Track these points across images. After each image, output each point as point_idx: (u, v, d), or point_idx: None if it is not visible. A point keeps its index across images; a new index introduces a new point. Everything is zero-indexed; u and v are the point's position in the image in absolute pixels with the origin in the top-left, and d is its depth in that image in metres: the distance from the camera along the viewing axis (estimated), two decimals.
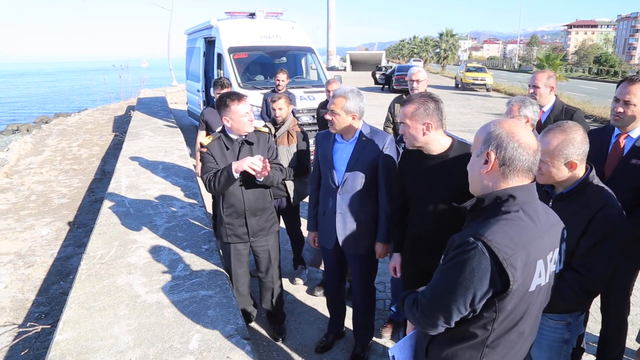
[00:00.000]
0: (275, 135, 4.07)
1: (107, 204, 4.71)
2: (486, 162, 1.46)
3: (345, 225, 2.94)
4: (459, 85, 29.20)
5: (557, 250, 1.49)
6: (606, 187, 2.11)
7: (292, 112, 4.23)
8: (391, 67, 30.01)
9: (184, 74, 12.69)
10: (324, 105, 5.63)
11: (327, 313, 3.84)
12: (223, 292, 3.06)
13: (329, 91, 5.33)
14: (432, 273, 2.66)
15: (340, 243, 2.98)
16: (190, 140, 8.76)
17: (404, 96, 4.50)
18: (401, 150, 3.12)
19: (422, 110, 2.36)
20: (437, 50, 72.80)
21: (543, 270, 1.41)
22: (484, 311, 1.38)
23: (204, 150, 3.14)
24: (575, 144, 2.03)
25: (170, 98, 17.17)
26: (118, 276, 3.23)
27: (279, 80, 6.06)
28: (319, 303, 4.04)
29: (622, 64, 77.93)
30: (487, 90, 27.70)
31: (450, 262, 1.40)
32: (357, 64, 50.62)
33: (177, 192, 5.12)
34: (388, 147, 2.85)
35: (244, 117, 3.03)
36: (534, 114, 3.07)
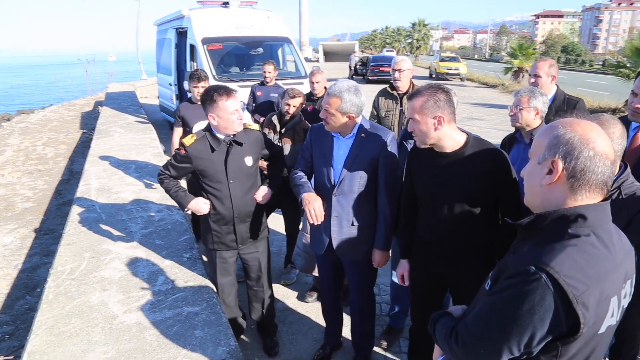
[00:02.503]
0: (280, 132, 3.79)
1: (75, 209, 4.31)
2: (550, 171, 1.20)
3: (341, 230, 2.67)
4: (433, 75, 29.30)
5: (630, 282, 1.23)
6: None
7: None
8: (367, 57, 29.86)
9: (154, 67, 12.16)
10: (308, 97, 5.34)
11: (320, 321, 3.59)
12: (210, 307, 2.76)
13: (313, 82, 5.08)
14: (444, 279, 2.47)
15: (335, 249, 2.71)
16: (164, 137, 8.33)
17: (388, 89, 4.26)
18: (409, 147, 2.88)
19: (432, 102, 2.11)
20: (410, 40, 73.10)
21: (616, 309, 1.15)
22: (542, 354, 1.14)
23: (182, 151, 2.81)
24: (614, 140, 1.81)
25: (140, 92, 16.51)
26: (91, 294, 2.89)
27: (265, 72, 5.74)
28: (311, 310, 3.78)
29: (588, 53, 79.91)
30: (461, 79, 27.86)
31: (503, 294, 1.14)
32: (330, 55, 50.28)
33: (153, 194, 4.76)
34: (390, 145, 2.58)
35: (232, 114, 2.71)
36: (544, 105, 2.86)
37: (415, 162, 2.38)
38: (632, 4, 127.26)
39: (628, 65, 14.30)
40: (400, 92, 4.20)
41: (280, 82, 6.91)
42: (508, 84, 22.36)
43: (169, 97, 10.14)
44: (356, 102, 2.49)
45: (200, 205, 2.84)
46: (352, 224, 2.65)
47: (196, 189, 2.97)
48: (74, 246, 3.55)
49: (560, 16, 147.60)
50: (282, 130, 3.85)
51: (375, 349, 3.24)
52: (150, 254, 3.41)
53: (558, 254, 1.09)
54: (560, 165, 1.17)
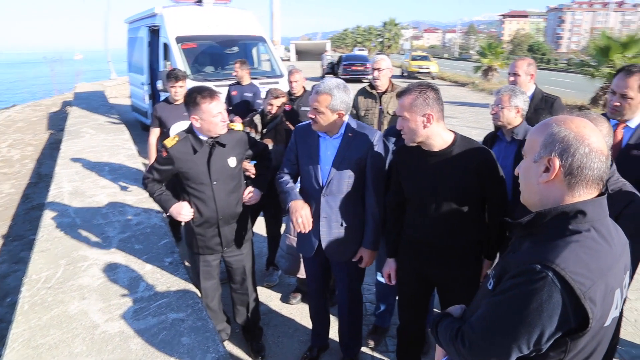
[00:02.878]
0: (262, 132, 3.74)
1: (48, 214, 4.15)
2: (547, 169, 1.20)
3: (330, 231, 2.64)
4: (405, 74, 29.55)
5: (628, 273, 1.25)
6: (628, 183, 1.96)
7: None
8: (340, 57, 29.95)
9: (124, 66, 11.87)
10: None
11: (305, 323, 3.56)
12: (196, 313, 2.69)
13: (291, 82, 5.04)
14: (434, 280, 2.47)
15: (325, 250, 2.68)
16: (136, 138, 8.13)
17: (367, 88, 4.26)
18: (392, 147, 2.87)
19: (421, 100, 2.11)
20: (381, 39, 73.69)
21: (619, 300, 1.17)
22: (551, 351, 1.14)
23: (164, 153, 2.73)
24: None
25: (109, 92, 16.08)
26: (69, 303, 2.77)
27: (236, 71, 5.67)
28: (295, 312, 3.74)
29: (552, 52, 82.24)
30: (432, 78, 28.18)
31: (509, 294, 1.13)
32: (302, 54, 50.13)
33: (129, 197, 4.62)
34: (377, 144, 2.57)
35: (215, 117, 2.64)
36: (525, 103, 2.90)
37: (403, 160, 2.37)
38: (592, 5, 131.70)
39: (592, 64, 14.76)
40: (379, 91, 4.21)
41: (255, 82, 6.84)
42: (478, 82, 22.76)
43: (141, 97, 9.90)
44: (346, 99, 2.47)
45: (180, 211, 2.74)
46: (341, 225, 2.62)
47: (178, 191, 2.88)
48: (49, 253, 3.41)
49: (526, 16, 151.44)
50: (264, 131, 3.80)
51: (363, 349, 3.22)
52: (129, 260, 3.31)
53: (562, 250, 1.09)
54: (557, 163, 1.18)
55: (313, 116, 2.47)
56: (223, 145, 2.78)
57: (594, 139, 1.17)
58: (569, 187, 1.19)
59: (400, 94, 2.19)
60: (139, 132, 10.45)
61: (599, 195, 1.20)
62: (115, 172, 5.43)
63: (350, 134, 2.55)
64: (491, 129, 3.19)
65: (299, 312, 3.73)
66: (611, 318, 1.16)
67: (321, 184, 2.59)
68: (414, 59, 29.86)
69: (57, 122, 12.29)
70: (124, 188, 4.87)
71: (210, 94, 2.64)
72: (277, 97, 3.80)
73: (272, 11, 23.99)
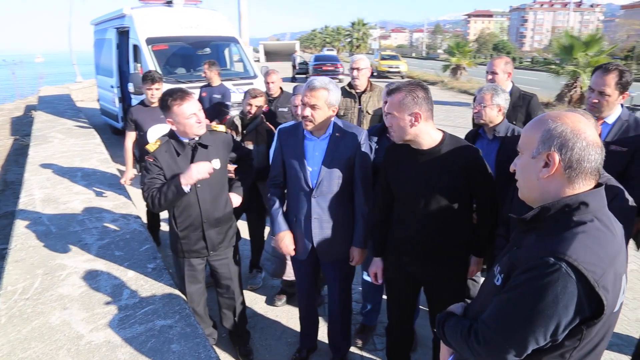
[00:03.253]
0: (243, 133, 3.69)
1: (20, 222, 3.99)
2: (546, 165, 1.23)
3: (322, 231, 2.64)
4: (375, 73, 29.77)
5: (626, 260, 1.30)
6: (612, 177, 2.01)
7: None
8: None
9: (88, 69, 11.55)
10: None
11: (292, 325, 3.55)
12: (184, 319, 2.63)
13: (268, 82, 5.01)
14: (422, 279, 2.49)
15: (317, 250, 2.68)
16: (107, 142, 7.90)
17: (346, 87, 4.27)
18: (374, 146, 2.88)
19: (410, 98, 2.13)
20: (349, 39, 74.09)
21: (625, 286, 1.21)
22: (566, 340, 1.17)
23: (150, 159, 2.66)
24: None
25: (75, 95, 15.62)
26: (50, 314, 2.67)
27: (205, 72, 5.61)
28: (281, 314, 3.71)
29: (517, 50, 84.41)
30: (402, 77, 28.51)
31: (523, 288, 1.15)
32: (270, 55, 49.88)
33: (105, 203, 4.50)
34: (364, 144, 2.58)
35: (189, 118, 2.60)
36: (506, 102, 2.96)
37: (391, 159, 2.38)
38: (552, 5, 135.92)
39: (557, 62, 15.23)
40: (358, 91, 4.23)
41: (229, 83, 6.78)
42: (447, 81, 23.15)
43: (110, 100, 9.66)
44: (338, 95, 2.50)
45: (189, 171, 2.53)
46: (333, 224, 2.62)
47: None
48: (24, 263, 3.28)
49: (490, 16, 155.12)
50: (244, 132, 3.76)
51: (351, 348, 3.22)
52: (110, 267, 3.21)
53: (571, 242, 1.12)
54: (556, 157, 1.21)
55: (309, 113, 2.44)
56: (205, 147, 2.73)
57: (590, 132, 1.21)
58: (569, 180, 1.22)
59: (390, 92, 2.20)
60: (109, 135, 10.21)
61: (596, 186, 1.24)
62: (89, 178, 5.27)
63: (337, 134, 2.55)
64: (461, 126, 3.27)
65: (285, 314, 3.71)
66: (619, 303, 1.20)
67: (311, 186, 2.58)
68: (383, 58, 30.16)
69: (21, 127, 11.85)
70: (99, 194, 4.73)
71: (181, 95, 2.60)
72: (255, 97, 3.77)
73: (239, 12, 23.72)
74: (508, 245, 1.40)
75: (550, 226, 1.22)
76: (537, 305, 1.12)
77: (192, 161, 2.68)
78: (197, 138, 2.71)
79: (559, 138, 1.21)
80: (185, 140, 2.70)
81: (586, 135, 1.21)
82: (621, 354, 3.20)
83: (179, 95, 2.59)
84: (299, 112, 3.21)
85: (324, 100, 2.42)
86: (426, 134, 2.21)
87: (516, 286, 1.18)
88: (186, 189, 2.55)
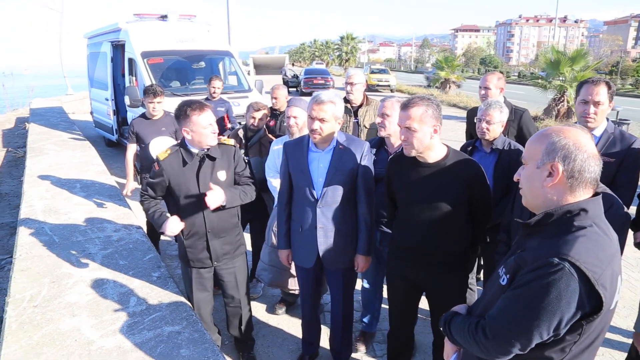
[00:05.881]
0: (247, 146, 3.79)
1: (23, 232, 4.03)
2: (550, 174, 1.36)
3: (327, 240, 2.74)
4: (365, 87, 30.05)
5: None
6: (608, 189, 2.14)
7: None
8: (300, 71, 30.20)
9: (78, 81, 11.60)
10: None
11: (293, 332, 3.62)
12: (192, 325, 2.71)
13: (274, 97, 5.00)
14: (423, 286, 2.60)
15: (322, 259, 2.78)
16: (101, 154, 7.95)
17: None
18: (373, 158, 3.00)
19: (431, 112, 2.24)
20: (339, 53, 74.78)
21: (620, 286, 1.34)
22: (567, 334, 1.28)
23: (157, 167, 2.78)
24: None
25: (67, 108, 15.61)
26: (60, 320, 2.73)
27: (214, 87, 5.71)
28: (282, 322, 3.79)
29: (503, 65, 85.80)
30: (391, 90, 28.86)
31: (529, 286, 1.27)
32: (260, 68, 50.09)
33: (106, 214, 4.56)
34: (367, 155, 2.71)
35: (206, 129, 2.72)
36: (506, 117, 3.12)
37: (395, 171, 2.50)
38: (537, 20, 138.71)
39: (543, 76, 15.59)
40: (354, 105, 4.35)
41: (224, 96, 6.89)
42: (436, 95, 23.53)
43: (105, 113, 9.71)
44: (343, 108, 2.63)
45: (171, 226, 2.72)
46: (337, 233, 2.72)
47: (169, 204, 2.92)
48: (30, 272, 3.33)
49: (477, 30, 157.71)
50: (248, 144, 3.86)
51: (352, 354, 3.31)
52: (116, 275, 3.28)
53: (574, 244, 1.24)
54: (560, 167, 1.34)
55: (318, 127, 2.56)
56: (213, 159, 2.84)
57: (590, 146, 1.35)
58: (570, 189, 1.35)
59: (405, 107, 2.27)
60: (102, 148, 10.24)
61: (594, 195, 1.37)
62: (88, 189, 5.33)
63: (341, 146, 2.67)
64: (452, 139, 3.40)
65: (286, 322, 3.78)
66: (615, 301, 1.32)
67: (316, 197, 2.69)
68: (373, 72, 30.56)
69: (13, 139, 11.81)
70: (99, 205, 4.79)
71: (200, 106, 2.73)
72: (258, 110, 3.88)
73: (229, 25, 23.81)
74: (512, 248, 1.52)
75: (553, 230, 1.34)
76: (542, 302, 1.23)
77: (198, 171, 2.79)
78: (205, 150, 2.81)
79: (563, 150, 1.34)
80: (195, 151, 2.80)
81: (587, 148, 1.34)
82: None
83: (197, 106, 2.73)
84: (292, 123, 3.33)
85: (332, 114, 2.55)
86: (436, 147, 2.34)
87: (522, 284, 1.29)
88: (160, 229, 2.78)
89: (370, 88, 28.68)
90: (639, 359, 2.68)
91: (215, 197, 2.67)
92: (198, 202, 2.80)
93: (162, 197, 2.90)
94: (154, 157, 4.25)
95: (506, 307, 1.34)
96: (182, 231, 2.86)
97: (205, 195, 2.66)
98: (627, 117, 12.36)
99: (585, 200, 1.34)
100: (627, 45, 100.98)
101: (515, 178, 1.51)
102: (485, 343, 1.37)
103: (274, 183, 3.51)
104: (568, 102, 14.11)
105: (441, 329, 1.63)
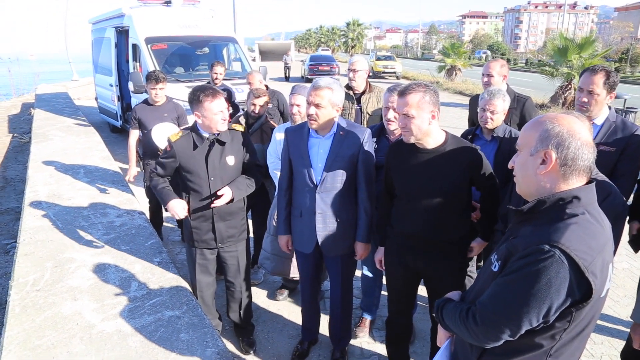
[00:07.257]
0: (249, 133, 3.79)
1: (27, 217, 4.08)
2: (543, 161, 1.35)
3: (325, 226, 2.75)
4: (370, 74, 29.86)
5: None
6: (607, 178, 2.13)
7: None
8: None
9: (83, 67, 11.59)
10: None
11: (293, 318, 3.65)
12: (191, 310, 2.74)
13: (250, 83, 4.94)
14: (422, 273, 2.61)
15: (321, 245, 2.79)
16: (106, 140, 7.97)
17: (344, 89, 4.36)
18: (374, 145, 2.99)
19: (428, 98, 2.22)
20: (345, 39, 74.17)
21: (611, 274, 1.34)
22: (557, 321, 1.28)
23: (168, 148, 2.87)
24: None
25: (72, 94, 15.65)
26: (62, 304, 2.77)
27: (216, 73, 5.68)
28: (283, 308, 3.82)
29: (511, 52, 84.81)
30: (397, 77, 28.66)
31: (519, 272, 1.27)
32: (266, 54, 49.82)
33: (109, 199, 4.59)
34: (367, 142, 2.70)
35: (217, 115, 2.78)
36: (509, 104, 3.09)
37: (394, 158, 2.49)
38: (547, 7, 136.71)
39: (551, 64, 15.41)
40: (356, 92, 4.32)
41: (227, 82, 6.86)
42: (442, 82, 23.34)
43: (109, 99, 9.73)
44: (342, 95, 2.62)
45: (177, 208, 2.80)
46: (336, 220, 2.73)
47: (179, 185, 2.96)
48: (33, 256, 3.37)
49: (485, 17, 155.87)
50: (250, 131, 3.86)
51: (351, 341, 3.33)
52: (118, 260, 3.32)
53: (565, 231, 1.24)
54: (553, 155, 1.33)
55: (314, 112, 2.55)
56: (223, 143, 2.88)
57: (584, 133, 1.33)
58: (563, 176, 1.34)
59: (403, 93, 2.25)
60: (107, 133, 10.27)
61: (588, 183, 1.36)
62: (92, 175, 5.36)
63: (341, 132, 2.66)
64: (457, 127, 3.38)
65: (287, 308, 3.82)
66: (605, 289, 1.32)
67: (315, 182, 2.69)
68: (378, 58, 30.28)
69: (18, 124, 11.88)
70: (102, 190, 4.82)
71: (213, 93, 2.79)
72: (258, 97, 3.86)
73: (234, 11, 23.64)
74: (505, 236, 1.51)
75: (545, 217, 1.33)
76: (532, 288, 1.23)
77: (207, 155, 2.84)
78: (216, 134, 2.86)
79: (556, 137, 1.33)
80: (206, 135, 2.86)
81: (581, 136, 1.32)
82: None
83: (210, 92, 2.79)
84: (295, 111, 3.33)
85: (328, 100, 2.53)
86: (434, 133, 2.32)
87: (513, 271, 1.29)
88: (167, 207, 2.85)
89: (376, 75, 28.52)
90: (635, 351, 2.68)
91: (224, 199, 2.84)
92: (207, 185, 2.86)
93: (170, 177, 2.97)
94: (156, 143, 4.31)
95: (496, 293, 1.34)
96: (189, 212, 2.89)
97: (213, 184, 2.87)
98: (636, 105, 12.20)
99: (578, 187, 1.34)
100: (638, 32, 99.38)
101: (509, 165, 1.50)
102: (475, 329, 1.38)
103: (276, 171, 3.52)
104: (575, 90, 13.95)
105: (434, 315, 1.63)
